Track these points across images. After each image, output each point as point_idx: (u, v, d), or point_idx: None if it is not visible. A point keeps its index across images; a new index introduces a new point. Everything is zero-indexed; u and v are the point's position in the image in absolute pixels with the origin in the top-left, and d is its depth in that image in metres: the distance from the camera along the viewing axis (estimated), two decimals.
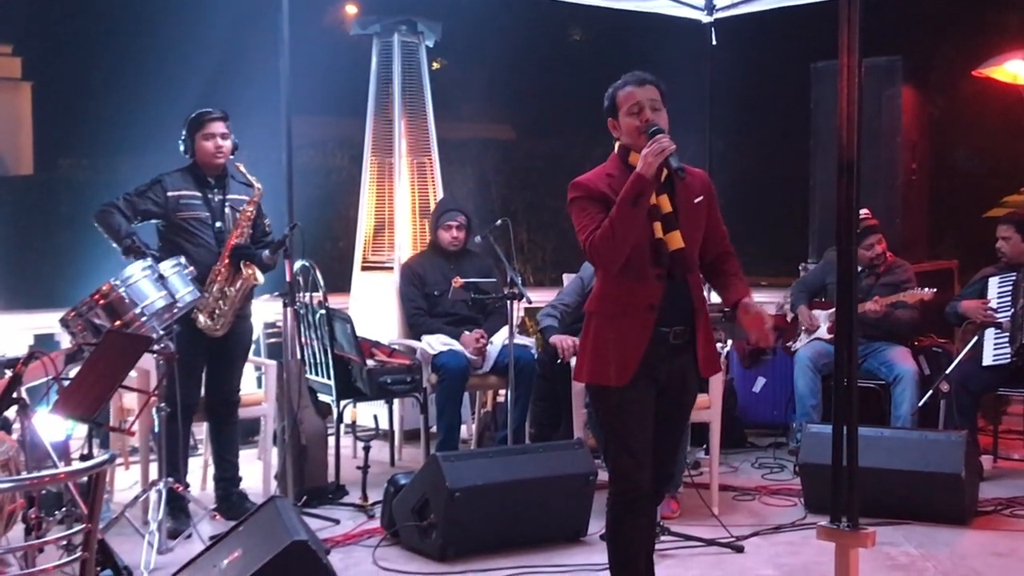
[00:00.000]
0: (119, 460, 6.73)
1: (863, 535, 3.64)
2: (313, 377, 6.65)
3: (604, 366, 3.92)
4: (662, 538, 5.06)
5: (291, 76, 6.10)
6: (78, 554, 2.85)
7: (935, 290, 6.79)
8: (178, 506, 5.51)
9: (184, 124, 5.78)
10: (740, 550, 5.29)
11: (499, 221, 6.49)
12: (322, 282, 6.37)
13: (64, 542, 4.25)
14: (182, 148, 5.78)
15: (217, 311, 5.67)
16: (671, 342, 3.92)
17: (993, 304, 6.77)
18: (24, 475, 3.93)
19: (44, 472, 3.43)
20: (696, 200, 3.97)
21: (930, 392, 6.65)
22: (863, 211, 6.96)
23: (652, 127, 3.86)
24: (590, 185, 3.94)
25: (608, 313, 3.95)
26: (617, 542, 4.05)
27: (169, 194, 5.70)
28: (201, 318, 5.62)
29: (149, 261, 5.19)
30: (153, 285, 5.07)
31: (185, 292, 5.21)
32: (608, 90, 4.02)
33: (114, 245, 5.54)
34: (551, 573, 5.02)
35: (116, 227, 5.54)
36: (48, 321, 6.95)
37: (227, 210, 5.81)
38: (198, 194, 5.76)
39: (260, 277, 5.78)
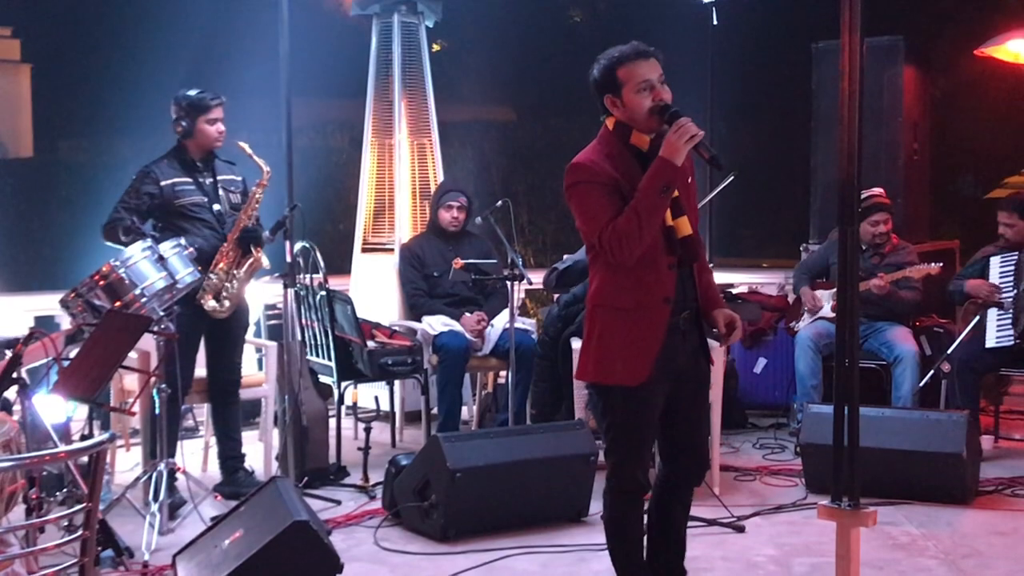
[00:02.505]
0: (120, 442, 6.74)
1: (864, 515, 3.63)
2: (314, 358, 6.65)
3: (614, 364, 3.77)
4: None
5: (291, 58, 6.09)
6: (79, 534, 2.85)
7: (940, 264, 6.79)
8: (169, 482, 5.51)
9: (180, 104, 5.73)
10: (741, 530, 5.30)
11: (499, 202, 6.48)
12: (322, 264, 6.37)
13: (65, 522, 4.27)
14: (181, 129, 5.74)
15: (224, 292, 5.68)
16: (681, 328, 3.81)
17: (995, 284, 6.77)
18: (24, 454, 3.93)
19: (44, 451, 3.43)
20: (689, 181, 3.85)
21: (931, 372, 6.65)
22: (878, 190, 6.96)
23: (669, 109, 3.67)
24: (596, 168, 3.72)
25: (619, 307, 3.77)
26: (618, 534, 4.01)
27: (162, 183, 5.68)
28: (208, 300, 5.63)
29: (149, 242, 5.19)
30: (153, 266, 5.07)
31: (185, 273, 5.21)
32: (601, 62, 3.78)
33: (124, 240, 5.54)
34: (552, 553, 5.02)
35: (124, 229, 5.55)
36: (48, 302, 6.95)
37: (220, 192, 5.82)
38: (189, 179, 5.76)
39: (266, 261, 5.80)
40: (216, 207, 5.78)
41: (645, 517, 4.07)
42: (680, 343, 3.83)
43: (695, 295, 3.89)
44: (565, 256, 7.22)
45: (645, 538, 4.09)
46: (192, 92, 5.75)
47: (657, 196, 3.63)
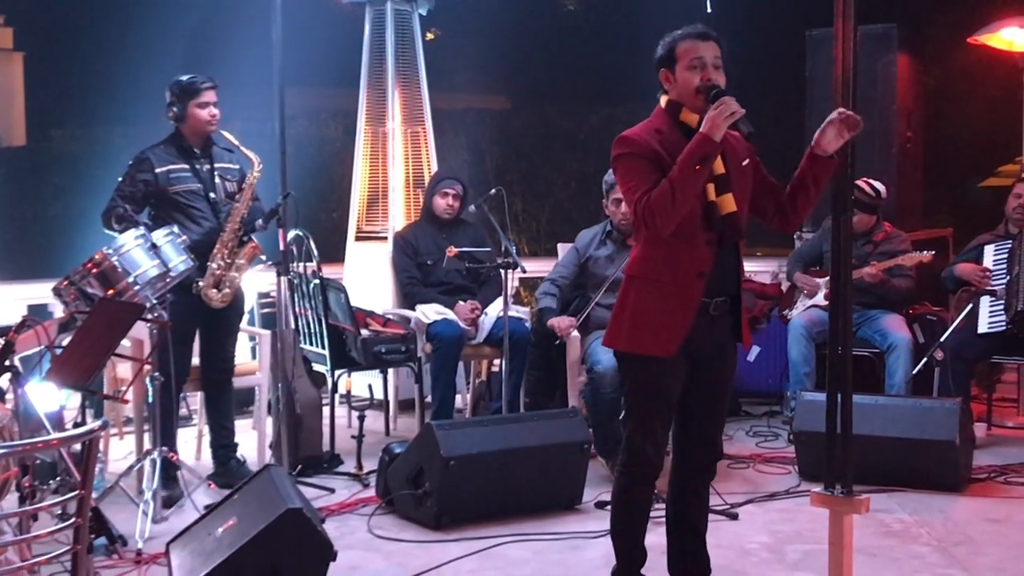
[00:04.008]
0: (113, 430, 6.74)
1: (857, 502, 3.64)
2: (307, 347, 6.66)
3: (646, 334, 3.81)
4: (656, 506, 5.05)
5: (283, 46, 6.06)
6: (71, 521, 2.85)
7: (933, 252, 6.79)
8: (169, 474, 5.52)
9: (172, 89, 5.73)
10: (734, 517, 5.30)
11: (493, 190, 6.47)
12: (316, 252, 6.36)
13: (58, 510, 4.26)
14: (172, 114, 5.74)
15: (225, 280, 5.68)
16: (711, 313, 3.84)
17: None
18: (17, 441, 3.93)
19: (37, 439, 3.43)
20: (744, 163, 3.87)
21: (924, 360, 6.65)
22: (880, 186, 6.93)
23: (713, 89, 3.73)
24: (640, 141, 3.78)
25: (653, 279, 3.81)
26: (622, 513, 4.06)
27: (158, 170, 5.67)
28: (211, 290, 5.63)
29: (142, 230, 5.17)
30: (146, 254, 5.05)
31: (178, 261, 5.19)
32: (665, 38, 3.86)
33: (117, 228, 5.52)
34: (545, 540, 5.03)
35: (116, 217, 5.52)
36: (41, 291, 6.93)
37: (217, 180, 5.81)
38: (186, 166, 5.75)
39: (261, 250, 5.82)
40: (212, 195, 5.77)
41: (656, 515, 4.12)
42: (707, 326, 3.85)
43: (736, 279, 3.91)
44: (559, 247, 7.22)
45: (667, 538, 4.17)
46: (184, 77, 5.75)
47: (691, 170, 3.66)
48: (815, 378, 6.82)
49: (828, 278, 6.86)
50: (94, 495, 3.29)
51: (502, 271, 6.17)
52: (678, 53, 3.81)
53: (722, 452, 4.16)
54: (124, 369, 6.23)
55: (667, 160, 3.73)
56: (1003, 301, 6.60)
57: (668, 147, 3.76)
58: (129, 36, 17.08)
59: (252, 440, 6.39)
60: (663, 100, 3.90)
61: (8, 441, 3.97)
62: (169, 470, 5.49)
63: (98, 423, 2.89)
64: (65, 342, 4.62)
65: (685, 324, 3.79)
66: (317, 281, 6.44)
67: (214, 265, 5.65)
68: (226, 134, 5.82)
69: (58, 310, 6.19)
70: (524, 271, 6.43)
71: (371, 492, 5.70)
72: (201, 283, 5.64)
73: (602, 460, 5.91)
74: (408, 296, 7.03)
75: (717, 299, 3.84)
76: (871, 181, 6.92)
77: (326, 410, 6.48)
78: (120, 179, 5.69)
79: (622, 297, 3.91)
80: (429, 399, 6.81)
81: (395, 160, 7.86)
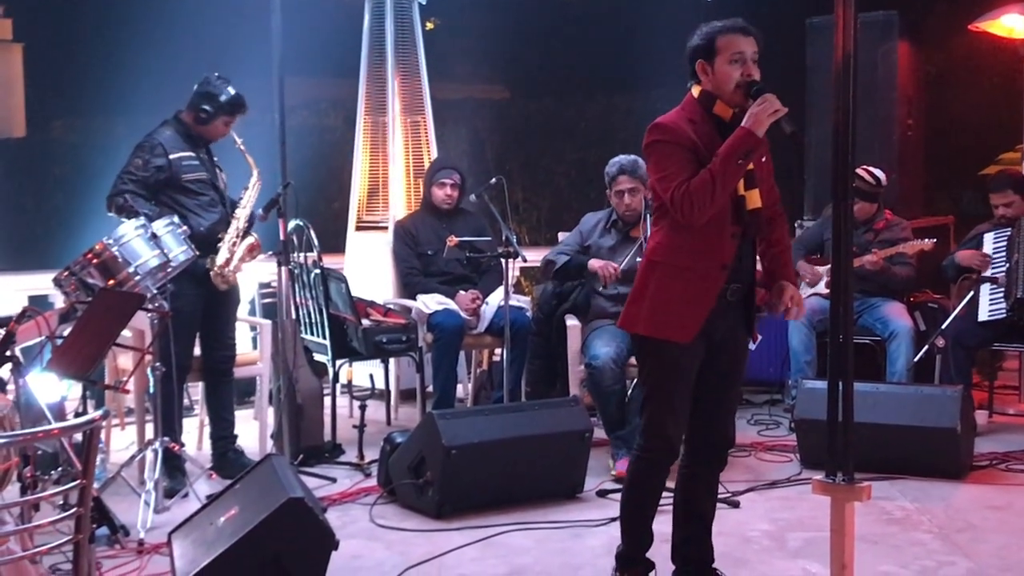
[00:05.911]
0: (115, 420, 6.74)
1: (858, 489, 3.64)
2: (309, 337, 6.65)
3: (666, 320, 3.86)
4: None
5: (283, 35, 6.05)
6: (73, 511, 2.85)
7: (934, 240, 6.79)
8: (174, 465, 5.53)
9: (215, 94, 5.67)
10: (736, 505, 5.31)
11: (494, 179, 6.46)
12: (316, 242, 6.36)
13: (60, 500, 4.27)
14: (204, 114, 5.67)
15: (232, 261, 5.68)
16: (728, 299, 3.89)
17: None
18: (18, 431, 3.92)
19: (38, 428, 3.43)
20: (763, 159, 3.92)
21: (926, 348, 6.65)
22: (880, 174, 6.92)
23: (755, 85, 3.77)
24: (677, 130, 3.82)
25: (677, 266, 3.86)
26: (635, 496, 4.11)
27: (172, 156, 5.63)
28: (225, 271, 5.63)
29: (142, 220, 5.16)
30: (146, 244, 5.04)
31: (179, 251, 5.18)
32: (703, 29, 3.89)
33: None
34: (547, 529, 5.03)
35: (138, 209, 5.48)
36: (42, 282, 6.92)
37: (217, 170, 5.81)
38: (193, 154, 5.73)
39: (260, 249, 5.85)
40: (217, 184, 5.77)
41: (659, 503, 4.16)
42: (723, 311, 3.90)
43: (751, 269, 3.97)
44: (559, 236, 7.20)
45: (672, 526, 4.21)
46: (231, 90, 5.71)
47: (734, 163, 3.71)
48: (816, 366, 6.82)
49: (827, 267, 6.89)
50: (96, 485, 3.28)
51: (503, 260, 6.17)
52: (719, 46, 3.83)
53: (733, 440, 4.21)
54: (125, 359, 6.22)
55: (702, 151, 3.77)
56: (1003, 289, 6.60)
57: (702, 138, 3.80)
58: (129, 26, 17.03)
59: (254, 430, 6.39)
60: (695, 90, 3.92)
61: (9, 431, 3.97)
62: (173, 461, 5.50)
63: (99, 413, 2.89)
64: (66, 332, 4.61)
65: (704, 312, 3.84)
66: (318, 271, 6.44)
67: (227, 242, 5.64)
68: (236, 138, 5.79)
69: (59, 300, 6.17)
70: (525, 260, 6.43)
71: (373, 482, 5.71)
72: (218, 259, 5.63)
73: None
74: (409, 286, 7.03)
75: (734, 285, 3.90)
76: (871, 169, 6.91)
77: (327, 400, 6.48)
78: (128, 163, 5.61)
79: (642, 281, 3.95)
80: (430, 389, 6.82)
81: (395, 150, 7.85)
